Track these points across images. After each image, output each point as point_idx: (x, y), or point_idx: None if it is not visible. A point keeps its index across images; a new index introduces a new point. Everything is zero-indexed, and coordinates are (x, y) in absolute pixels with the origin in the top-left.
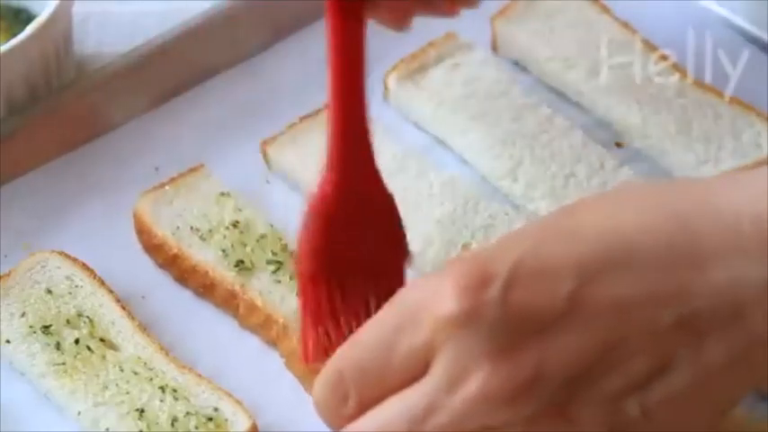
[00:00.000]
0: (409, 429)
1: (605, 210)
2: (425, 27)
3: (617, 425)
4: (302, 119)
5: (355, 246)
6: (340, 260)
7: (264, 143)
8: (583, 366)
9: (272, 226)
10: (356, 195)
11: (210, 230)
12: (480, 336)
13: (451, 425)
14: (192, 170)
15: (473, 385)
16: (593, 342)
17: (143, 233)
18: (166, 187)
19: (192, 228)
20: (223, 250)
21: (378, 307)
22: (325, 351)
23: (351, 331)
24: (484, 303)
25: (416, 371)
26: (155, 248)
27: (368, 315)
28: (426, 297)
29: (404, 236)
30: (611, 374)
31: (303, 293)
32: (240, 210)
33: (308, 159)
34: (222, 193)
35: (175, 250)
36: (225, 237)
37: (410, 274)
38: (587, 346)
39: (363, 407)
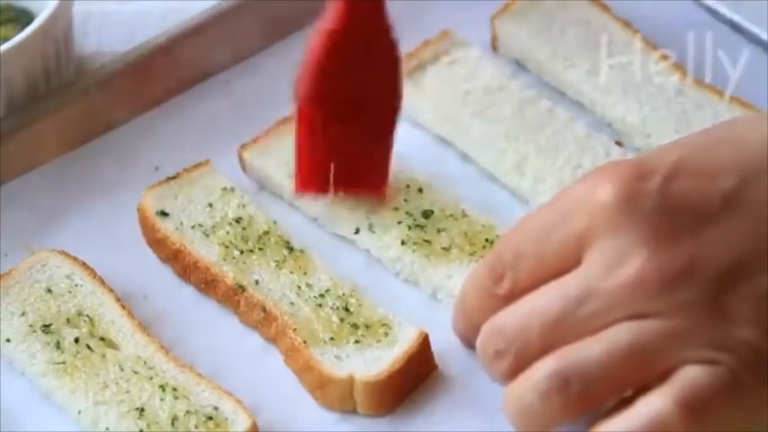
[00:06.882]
0: (562, 314)
1: (764, 126)
2: (420, 26)
3: None
4: (278, 123)
5: (352, 83)
6: (336, 93)
7: (242, 148)
8: (740, 260)
9: (274, 223)
10: (360, 35)
11: (214, 227)
12: (638, 222)
13: (604, 311)
14: (198, 165)
15: (630, 269)
16: (751, 237)
17: (147, 228)
18: (172, 182)
19: (195, 223)
20: (225, 246)
21: (366, 146)
22: (315, 182)
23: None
24: (643, 192)
25: (571, 260)
26: (158, 243)
27: (357, 151)
28: (586, 191)
29: (400, 84)
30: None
31: (299, 122)
32: (243, 206)
33: (282, 165)
34: (225, 188)
35: (178, 245)
36: (227, 233)
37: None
38: (745, 240)
39: (516, 290)
